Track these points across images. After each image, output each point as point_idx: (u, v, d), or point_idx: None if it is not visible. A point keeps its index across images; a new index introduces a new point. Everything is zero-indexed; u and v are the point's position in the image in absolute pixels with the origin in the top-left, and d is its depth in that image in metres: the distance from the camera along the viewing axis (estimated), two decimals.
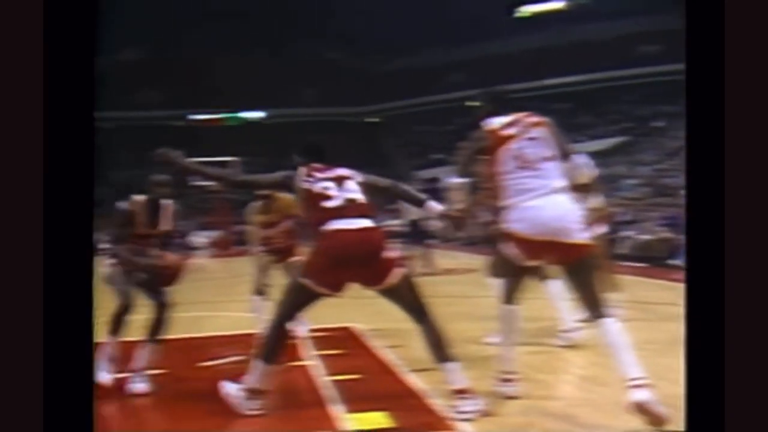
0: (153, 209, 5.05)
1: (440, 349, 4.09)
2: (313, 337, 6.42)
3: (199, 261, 26.91)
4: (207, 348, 6.26)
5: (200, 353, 6.02)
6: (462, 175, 4.31)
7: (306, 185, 4.24)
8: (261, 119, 51.44)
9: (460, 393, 3.96)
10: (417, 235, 14.30)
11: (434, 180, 28.67)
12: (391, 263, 4.10)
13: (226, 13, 46.20)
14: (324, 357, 5.64)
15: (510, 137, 4.12)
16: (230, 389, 4.20)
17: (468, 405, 3.92)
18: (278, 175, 4.42)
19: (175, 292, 4.98)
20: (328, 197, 4.17)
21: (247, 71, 48.23)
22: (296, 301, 4.21)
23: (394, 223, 16.04)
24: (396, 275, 4.10)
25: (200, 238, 34.06)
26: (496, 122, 4.21)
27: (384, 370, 5.15)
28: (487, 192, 4.39)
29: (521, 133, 4.14)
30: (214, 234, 30.60)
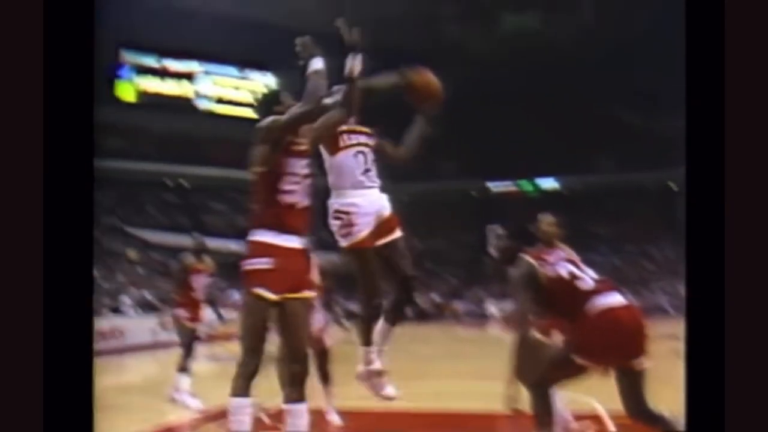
0: None
1: None
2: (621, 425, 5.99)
3: (494, 330, 27.02)
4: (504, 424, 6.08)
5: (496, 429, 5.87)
6: None
7: (550, 271, 4.15)
8: (557, 188, 51.12)
9: None
10: None
11: None
12: (646, 346, 3.94)
13: (519, 81, 47.03)
14: None
15: None
16: None
17: None
18: (522, 280, 4.21)
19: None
20: (579, 278, 4.09)
21: (542, 138, 48.41)
22: (564, 375, 4.13)
23: None
24: (646, 361, 3.94)
25: (494, 307, 34.17)
26: None
27: None
28: None
29: None
30: (508, 304, 30.39)
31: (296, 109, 3.80)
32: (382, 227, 4.16)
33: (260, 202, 3.82)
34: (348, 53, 3.83)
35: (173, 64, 42.05)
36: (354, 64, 3.84)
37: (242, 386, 3.63)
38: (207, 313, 8.30)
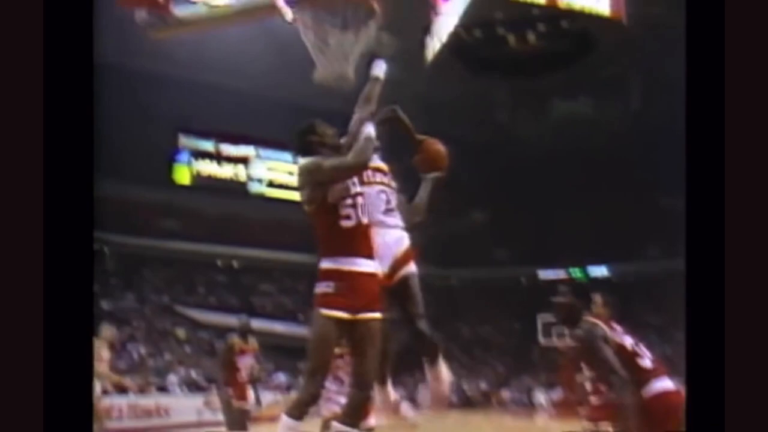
0: None
1: None
2: None
3: (541, 420, 26.24)
4: None
5: None
6: None
7: (618, 339, 4.15)
8: (607, 276, 50.33)
9: None
10: None
11: None
12: None
13: (563, 167, 46.94)
14: None
15: None
16: None
17: None
18: (595, 337, 4.20)
19: None
20: (639, 355, 4.09)
21: (588, 225, 47.98)
22: None
23: None
24: None
25: (543, 397, 33.17)
26: None
27: None
28: None
29: None
30: (557, 393, 29.44)
31: (342, 163, 3.81)
32: (398, 263, 4.07)
33: (321, 235, 3.80)
34: (376, 57, 4.28)
35: (229, 149, 43.11)
36: (380, 66, 4.25)
37: (296, 407, 3.59)
38: (251, 394, 8.29)
